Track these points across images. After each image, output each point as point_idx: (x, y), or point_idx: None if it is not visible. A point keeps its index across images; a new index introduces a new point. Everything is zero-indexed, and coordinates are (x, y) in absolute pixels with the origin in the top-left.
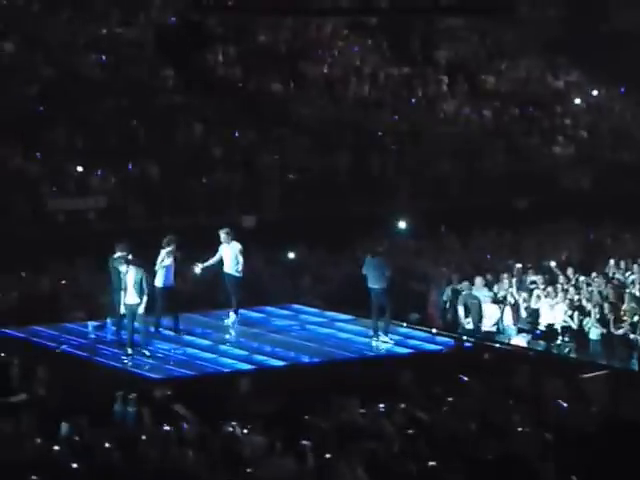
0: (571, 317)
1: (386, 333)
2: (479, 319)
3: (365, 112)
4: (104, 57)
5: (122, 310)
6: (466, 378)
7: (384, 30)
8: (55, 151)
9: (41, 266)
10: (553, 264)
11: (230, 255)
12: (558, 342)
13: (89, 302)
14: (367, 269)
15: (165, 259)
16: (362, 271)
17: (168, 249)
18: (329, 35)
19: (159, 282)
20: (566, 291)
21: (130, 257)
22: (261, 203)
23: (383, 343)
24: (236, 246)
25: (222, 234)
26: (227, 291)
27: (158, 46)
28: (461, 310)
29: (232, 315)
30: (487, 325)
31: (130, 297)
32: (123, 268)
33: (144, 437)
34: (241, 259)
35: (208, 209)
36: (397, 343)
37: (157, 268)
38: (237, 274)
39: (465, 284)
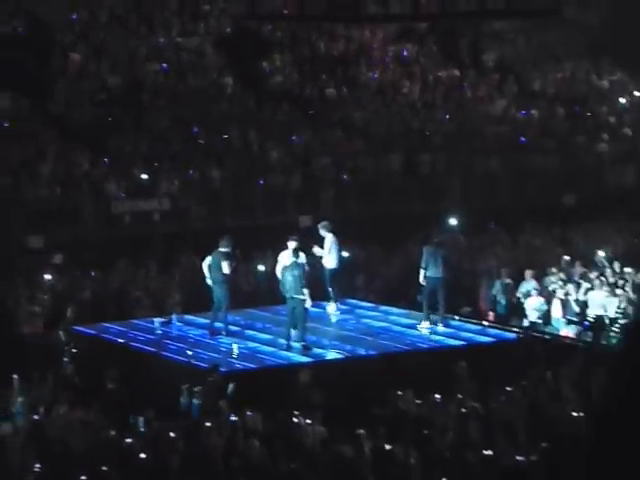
0: (619, 308)
1: (442, 323)
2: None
3: (416, 114)
4: (166, 66)
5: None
6: None
7: (433, 35)
8: (121, 156)
9: (109, 265)
10: (602, 254)
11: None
12: (607, 333)
13: (155, 299)
14: (427, 259)
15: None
16: (421, 263)
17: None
18: (381, 41)
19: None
20: (614, 284)
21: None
22: (317, 203)
23: (429, 332)
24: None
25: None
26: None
27: (217, 54)
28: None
29: (333, 305)
30: (533, 317)
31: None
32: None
33: (210, 427)
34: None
35: (266, 210)
36: (450, 336)
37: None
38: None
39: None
